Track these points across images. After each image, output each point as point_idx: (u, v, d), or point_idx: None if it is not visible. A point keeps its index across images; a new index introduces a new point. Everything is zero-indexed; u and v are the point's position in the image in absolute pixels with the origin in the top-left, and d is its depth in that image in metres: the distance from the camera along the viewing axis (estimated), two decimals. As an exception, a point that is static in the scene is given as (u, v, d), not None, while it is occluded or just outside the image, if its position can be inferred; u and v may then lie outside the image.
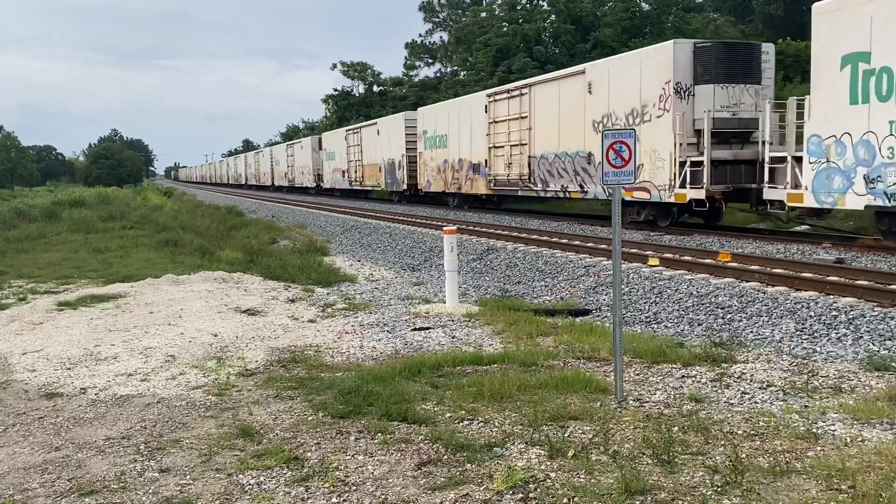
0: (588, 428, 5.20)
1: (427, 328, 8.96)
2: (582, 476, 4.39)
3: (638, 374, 6.62)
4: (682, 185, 16.01)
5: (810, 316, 8.41)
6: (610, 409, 5.61)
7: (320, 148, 47.17)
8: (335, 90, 65.69)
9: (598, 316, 9.99)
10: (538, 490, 4.23)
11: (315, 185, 48.14)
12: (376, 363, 7.33)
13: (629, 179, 5.86)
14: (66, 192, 50.71)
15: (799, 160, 13.48)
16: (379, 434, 5.22)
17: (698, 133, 15.98)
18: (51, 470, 4.82)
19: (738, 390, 6.08)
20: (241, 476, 4.61)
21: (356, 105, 62.34)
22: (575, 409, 5.60)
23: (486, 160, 24.49)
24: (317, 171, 47.76)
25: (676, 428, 5.12)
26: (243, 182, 76.19)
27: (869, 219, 13.46)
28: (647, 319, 9.61)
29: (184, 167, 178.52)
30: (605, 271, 11.88)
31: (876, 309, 8.29)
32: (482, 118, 24.66)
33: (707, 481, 4.26)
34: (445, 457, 4.78)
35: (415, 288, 12.65)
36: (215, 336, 8.66)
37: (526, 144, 21.97)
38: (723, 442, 4.87)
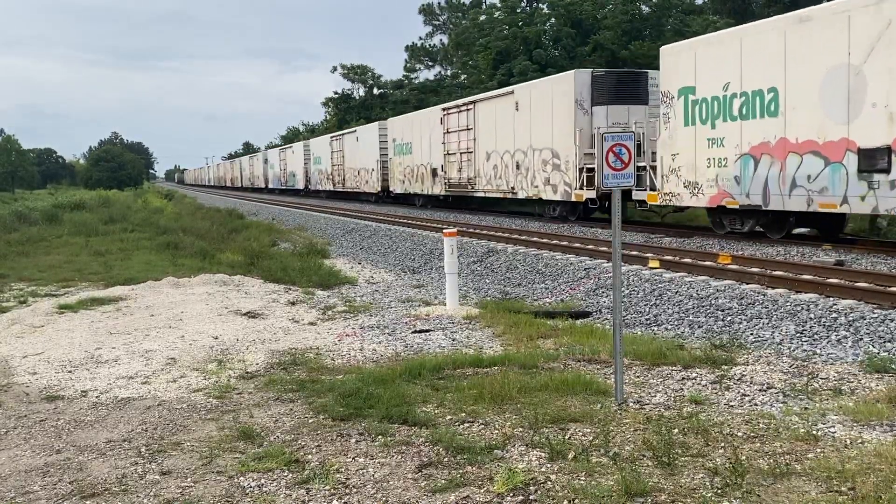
0: (588, 430, 5.21)
1: (427, 330, 8.96)
2: (582, 478, 4.40)
3: (638, 376, 6.63)
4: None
5: (810, 318, 8.41)
6: (610, 411, 5.61)
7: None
8: (335, 93, 65.79)
9: (598, 318, 10.00)
10: (538, 492, 4.24)
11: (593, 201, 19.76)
12: (377, 365, 7.33)
13: (629, 181, 5.87)
14: (66, 195, 50.85)
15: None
16: (380, 436, 5.22)
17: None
18: (52, 473, 4.83)
19: (739, 392, 6.08)
20: (241, 478, 4.61)
21: (356, 108, 62.38)
22: (575, 411, 5.60)
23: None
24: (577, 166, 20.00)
25: (676, 430, 5.12)
26: (301, 187, 51.35)
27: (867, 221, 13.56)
28: (648, 321, 9.62)
29: (186, 169, 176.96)
30: (606, 273, 11.88)
31: (876, 311, 8.29)
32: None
33: (707, 483, 4.27)
34: (446, 459, 4.79)
35: (415, 290, 12.66)
36: (216, 339, 8.67)
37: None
38: (723, 444, 4.88)
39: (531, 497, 4.19)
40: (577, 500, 4.10)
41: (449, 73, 55.02)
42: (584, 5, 37.87)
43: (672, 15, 36.63)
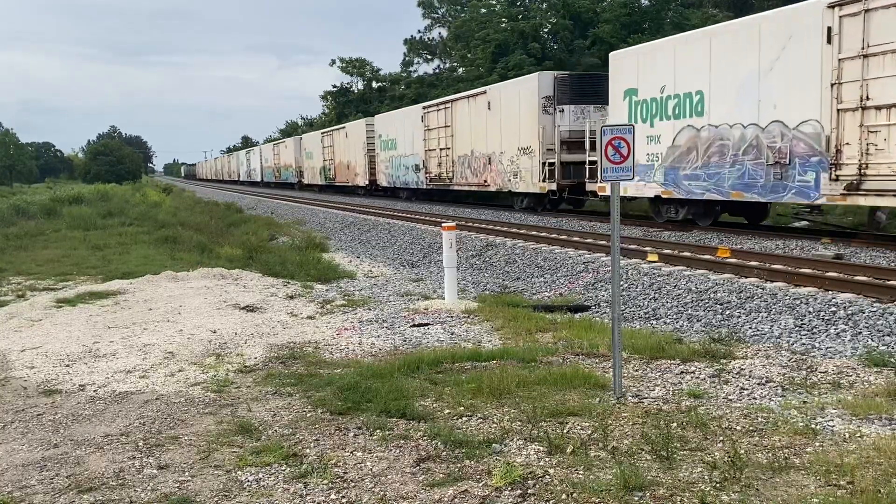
0: (587, 424, 5.20)
1: (426, 324, 8.96)
2: (581, 472, 4.39)
3: (637, 370, 6.62)
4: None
5: (809, 311, 8.41)
6: (609, 405, 5.61)
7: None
8: (334, 86, 65.63)
9: (597, 312, 9.99)
10: (537, 486, 4.23)
11: None
12: (375, 359, 7.33)
13: (628, 175, 5.84)
14: (64, 189, 50.77)
15: None
16: (378, 430, 5.22)
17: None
18: (49, 467, 4.82)
19: (737, 386, 6.08)
20: (239, 473, 4.61)
21: (355, 101, 62.23)
22: (574, 405, 5.60)
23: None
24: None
25: (675, 424, 5.12)
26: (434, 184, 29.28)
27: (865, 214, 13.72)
28: (646, 315, 9.61)
29: (184, 163, 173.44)
30: (604, 267, 11.88)
31: (875, 304, 8.29)
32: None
33: (706, 477, 4.26)
34: (444, 453, 4.78)
35: (414, 284, 12.65)
36: (214, 333, 8.65)
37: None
38: (721, 438, 4.87)
39: (529, 491, 4.18)
40: (575, 494, 4.10)
41: (447, 66, 54.87)
42: (582, -1, 37.80)
43: (671, 8, 36.55)
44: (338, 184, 42.88)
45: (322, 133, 46.77)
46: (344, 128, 42.55)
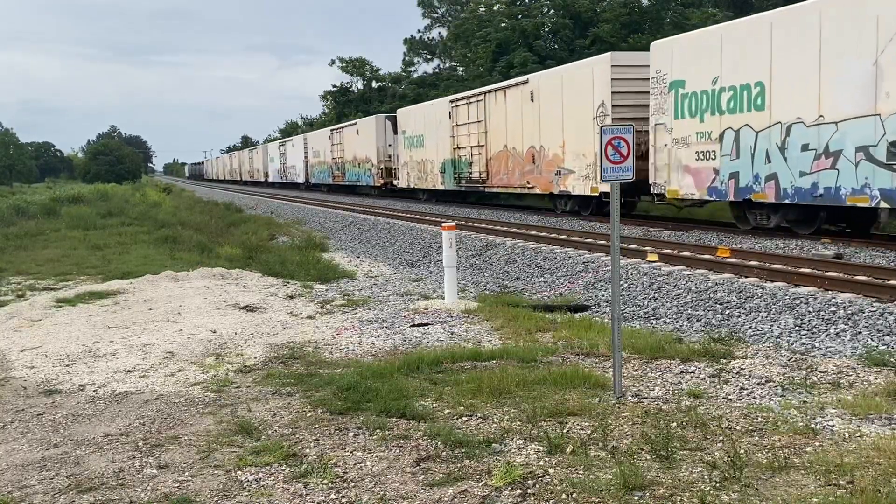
0: (587, 424, 5.20)
1: (426, 324, 8.95)
2: (580, 472, 4.39)
3: (636, 370, 6.62)
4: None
5: (809, 311, 8.40)
6: (608, 405, 5.61)
7: None
8: (334, 86, 65.66)
9: (596, 312, 9.99)
10: (537, 486, 4.23)
11: None
12: (375, 359, 7.33)
13: (628, 175, 5.84)
14: (64, 189, 50.79)
15: None
16: (377, 430, 5.22)
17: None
18: (49, 467, 4.82)
19: (737, 386, 6.08)
20: (239, 472, 4.61)
21: (355, 101, 62.25)
22: (573, 404, 5.60)
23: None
24: None
25: (675, 423, 5.12)
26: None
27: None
28: (646, 315, 9.61)
29: (185, 163, 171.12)
30: (604, 267, 11.87)
31: (875, 304, 8.28)
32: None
33: (705, 477, 4.26)
34: (444, 453, 4.78)
35: (414, 284, 12.65)
36: (214, 332, 8.65)
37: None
38: (721, 437, 4.87)
39: (529, 491, 4.18)
40: (575, 494, 4.10)
41: (447, 66, 54.87)
42: (582, -2, 37.79)
43: (671, 8, 36.55)
44: (496, 189, 24.32)
45: (452, 102, 26.74)
46: (527, 82, 21.52)
